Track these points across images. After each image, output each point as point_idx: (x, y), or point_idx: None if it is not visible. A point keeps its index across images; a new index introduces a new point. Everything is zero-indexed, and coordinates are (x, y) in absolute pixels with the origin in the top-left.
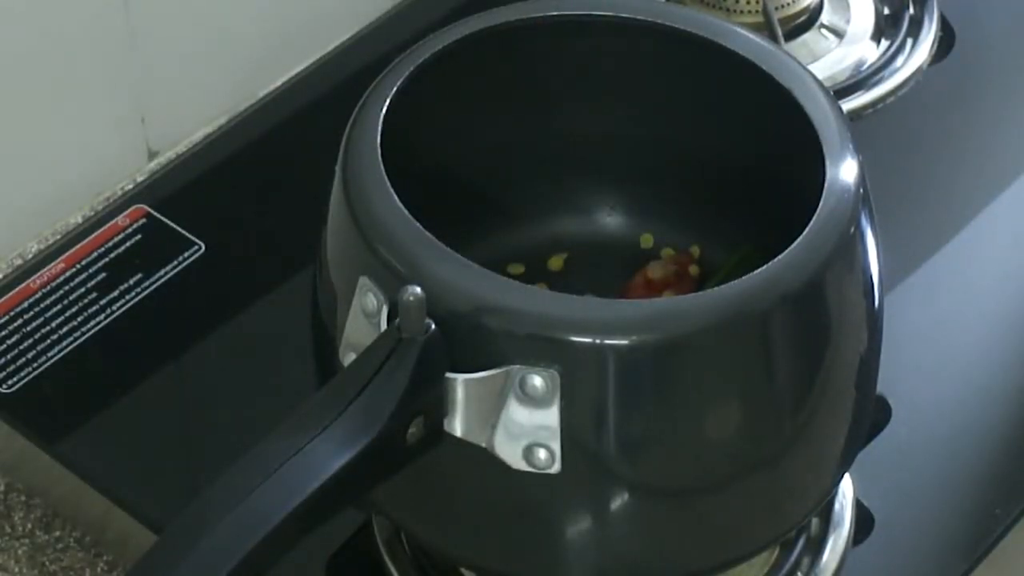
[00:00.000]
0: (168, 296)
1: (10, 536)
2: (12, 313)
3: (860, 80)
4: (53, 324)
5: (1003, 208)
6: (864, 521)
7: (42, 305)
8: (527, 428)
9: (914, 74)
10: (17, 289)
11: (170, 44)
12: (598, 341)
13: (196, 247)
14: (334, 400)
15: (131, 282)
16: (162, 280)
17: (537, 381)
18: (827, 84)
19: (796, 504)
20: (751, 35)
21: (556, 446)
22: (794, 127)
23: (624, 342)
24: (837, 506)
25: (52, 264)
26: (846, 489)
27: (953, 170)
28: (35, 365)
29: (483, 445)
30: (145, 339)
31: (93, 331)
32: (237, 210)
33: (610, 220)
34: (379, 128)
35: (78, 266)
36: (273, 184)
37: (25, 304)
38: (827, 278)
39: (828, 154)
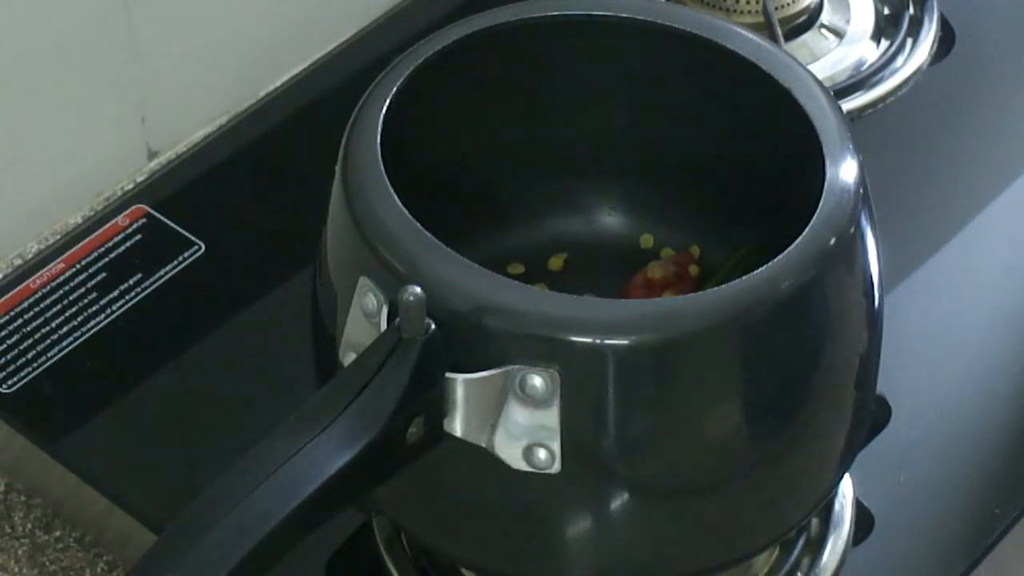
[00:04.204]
0: (168, 296)
1: (10, 536)
2: (12, 313)
3: (860, 80)
4: (53, 324)
5: (1003, 208)
6: (864, 521)
7: (42, 305)
8: (527, 428)
9: (914, 74)
10: (17, 289)
11: (170, 44)
12: (598, 341)
13: (196, 247)
14: (334, 400)
15: (131, 282)
16: (162, 280)
17: (537, 381)
18: (827, 84)
19: (796, 504)
20: (751, 35)
21: (556, 446)
22: (794, 127)
23: (624, 342)
24: (837, 506)
25: (52, 264)
26: (846, 489)
27: (953, 170)
28: (35, 365)
29: (483, 445)
30: (145, 339)
31: (93, 331)
32: (237, 210)
33: (610, 220)
34: (379, 128)
35: (78, 266)
36: (273, 184)
37: (25, 304)
38: (827, 278)
39: (828, 154)
